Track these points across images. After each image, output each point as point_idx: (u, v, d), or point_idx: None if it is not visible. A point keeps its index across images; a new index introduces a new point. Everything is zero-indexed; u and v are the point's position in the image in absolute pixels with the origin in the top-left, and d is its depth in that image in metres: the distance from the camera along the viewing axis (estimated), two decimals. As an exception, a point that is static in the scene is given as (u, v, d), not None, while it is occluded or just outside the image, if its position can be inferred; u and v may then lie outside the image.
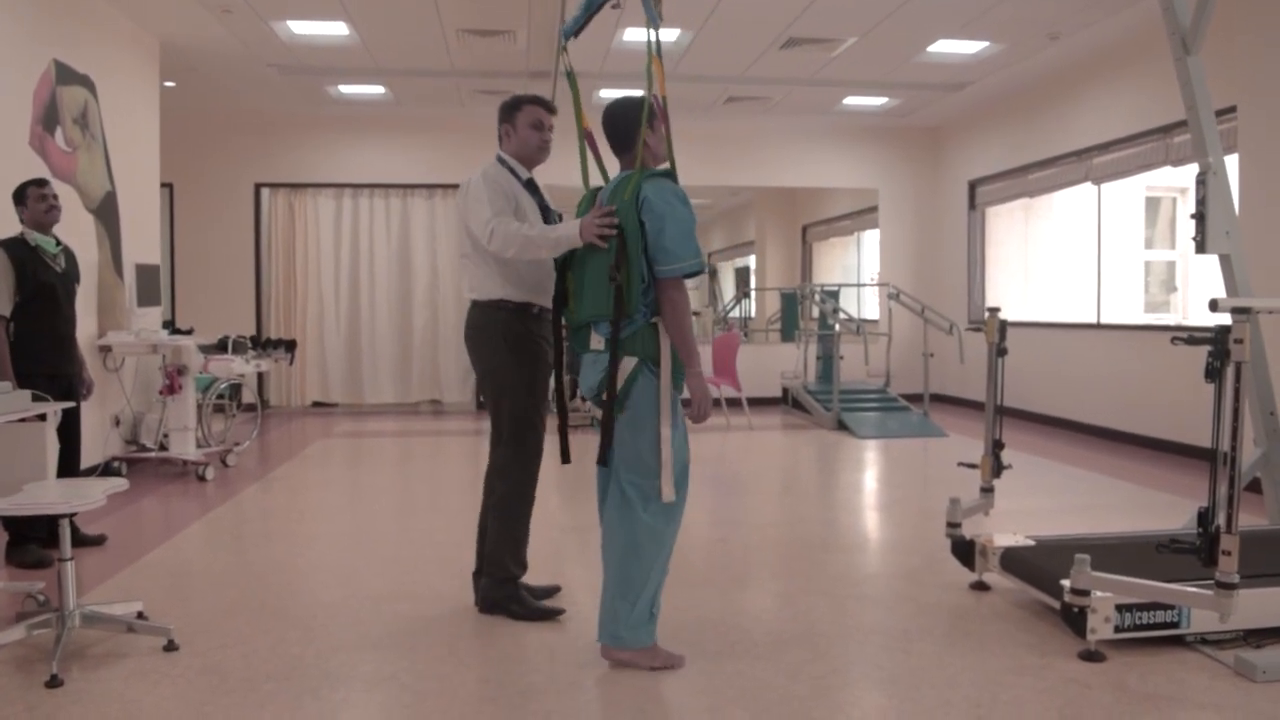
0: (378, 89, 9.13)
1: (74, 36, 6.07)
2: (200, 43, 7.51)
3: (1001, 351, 3.90)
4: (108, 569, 4.10)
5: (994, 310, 3.93)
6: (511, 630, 3.32)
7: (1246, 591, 2.82)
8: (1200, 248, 3.67)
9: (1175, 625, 3.06)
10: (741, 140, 10.55)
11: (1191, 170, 4.99)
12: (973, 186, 10.23)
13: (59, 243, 4.49)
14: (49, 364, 4.30)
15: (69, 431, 4.36)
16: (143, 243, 7.11)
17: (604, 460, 2.95)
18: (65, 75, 5.92)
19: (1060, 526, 4.47)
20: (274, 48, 7.68)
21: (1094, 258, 8.53)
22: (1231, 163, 5.27)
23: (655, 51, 2.87)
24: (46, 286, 4.32)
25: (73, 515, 3.17)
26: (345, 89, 9.15)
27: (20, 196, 4.39)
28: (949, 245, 10.72)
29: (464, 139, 9.91)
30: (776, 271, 12.75)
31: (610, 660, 2.96)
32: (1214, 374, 2.83)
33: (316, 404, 10.31)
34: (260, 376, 9.02)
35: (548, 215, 3.42)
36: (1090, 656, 3.01)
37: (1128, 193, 8.73)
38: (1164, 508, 5.21)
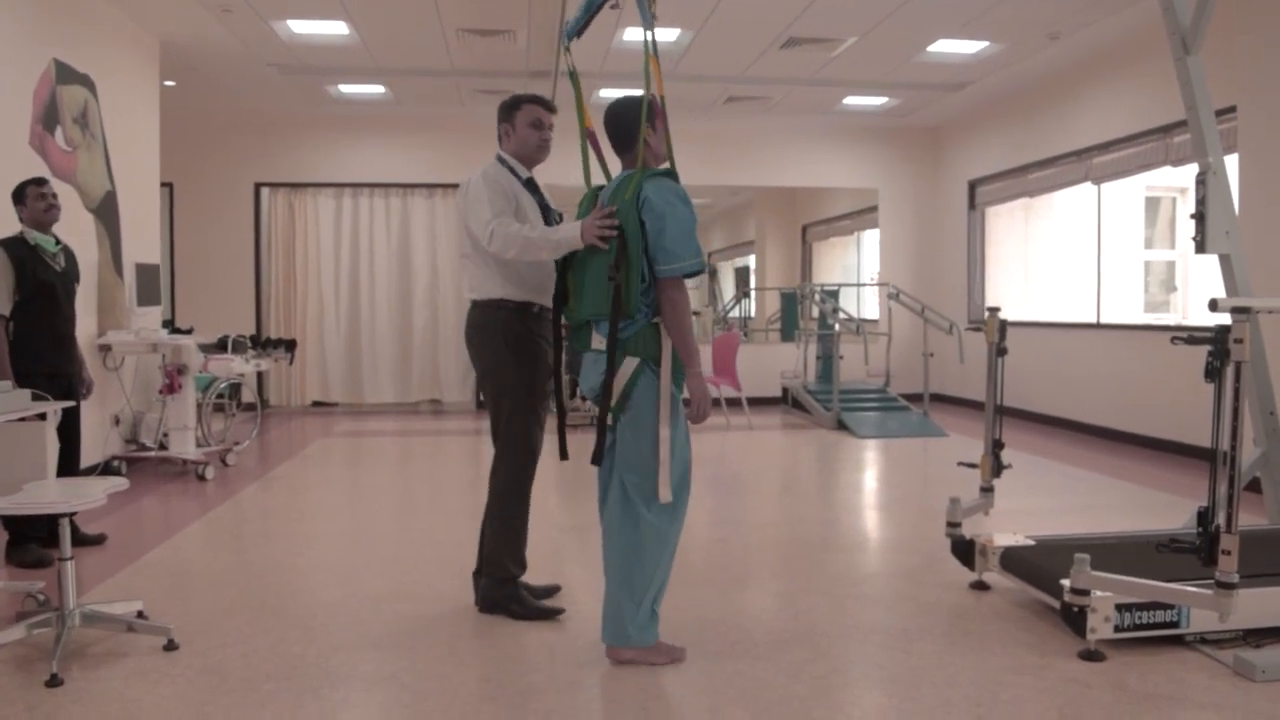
0: (378, 89, 9.13)
1: (74, 36, 6.07)
2: (200, 42, 7.51)
3: (1001, 351, 3.90)
4: (108, 568, 4.10)
5: (994, 310, 3.92)
6: (511, 630, 3.32)
7: (1246, 591, 2.82)
8: (1200, 248, 3.67)
9: (1175, 625, 3.06)
10: (741, 140, 10.55)
11: (1191, 170, 4.99)
12: (973, 186, 10.22)
13: (58, 242, 4.49)
14: (49, 363, 4.30)
15: (69, 431, 4.36)
16: (143, 242, 7.11)
17: (598, 459, 2.95)
18: (65, 74, 5.92)
19: (1060, 526, 4.47)
20: (274, 47, 7.68)
21: (1094, 257, 8.53)
22: (1231, 163, 5.28)
23: (652, 51, 2.87)
24: (46, 286, 4.32)
25: (73, 514, 3.17)
26: (345, 88, 9.15)
27: (20, 196, 4.39)
28: (949, 245, 10.72)
29: (464, 139, 9.91)
30: (776, 271, 12.74)
31: (614, 659, 2.96)
32: (1214, 374, 2.83)
33: (316, 403, 10.31)
34: (260, 376, 9.01)
35: (548, 214, 3.41)
36: (1090, 656, 3.01)
37: (1128, 193, 8.73)
38: (1164, 507, 5.22)
